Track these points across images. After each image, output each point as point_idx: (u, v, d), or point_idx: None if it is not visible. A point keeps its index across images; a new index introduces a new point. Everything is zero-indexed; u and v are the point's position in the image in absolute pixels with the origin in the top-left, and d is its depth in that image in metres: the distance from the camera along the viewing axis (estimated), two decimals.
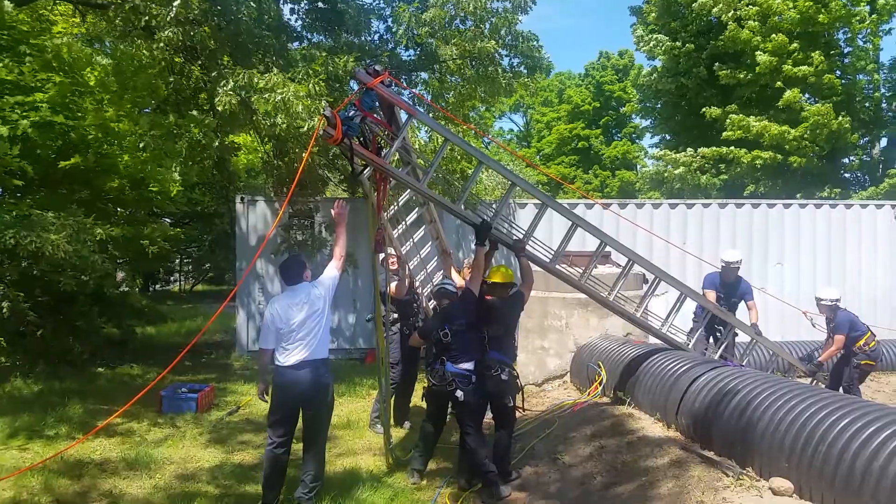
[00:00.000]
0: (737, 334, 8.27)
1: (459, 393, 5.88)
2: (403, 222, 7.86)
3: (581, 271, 6.93)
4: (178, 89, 10.49)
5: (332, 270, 5.66)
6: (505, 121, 56.11)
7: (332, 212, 5.89)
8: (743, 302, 8.96)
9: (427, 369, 6.33)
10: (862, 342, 8.44)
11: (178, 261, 25.51)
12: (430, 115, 10.33)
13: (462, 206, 6.42)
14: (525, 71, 12.24)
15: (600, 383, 8.02)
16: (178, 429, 7.86)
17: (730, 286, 8.96)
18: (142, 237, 10.82)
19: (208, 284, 27.93)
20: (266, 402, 5.59)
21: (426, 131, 10.07)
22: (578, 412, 7.58)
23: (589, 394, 8.13)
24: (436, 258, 8.29)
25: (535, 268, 6.65)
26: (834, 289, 9.07)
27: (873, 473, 4.04)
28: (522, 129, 51.38)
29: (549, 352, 9.94)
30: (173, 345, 13.38)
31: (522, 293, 6.37)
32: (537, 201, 13.90)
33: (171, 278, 28.09)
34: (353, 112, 5.71)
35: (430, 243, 8.16)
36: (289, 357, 5.31)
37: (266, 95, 8.71)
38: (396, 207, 7.61)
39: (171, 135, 9.79)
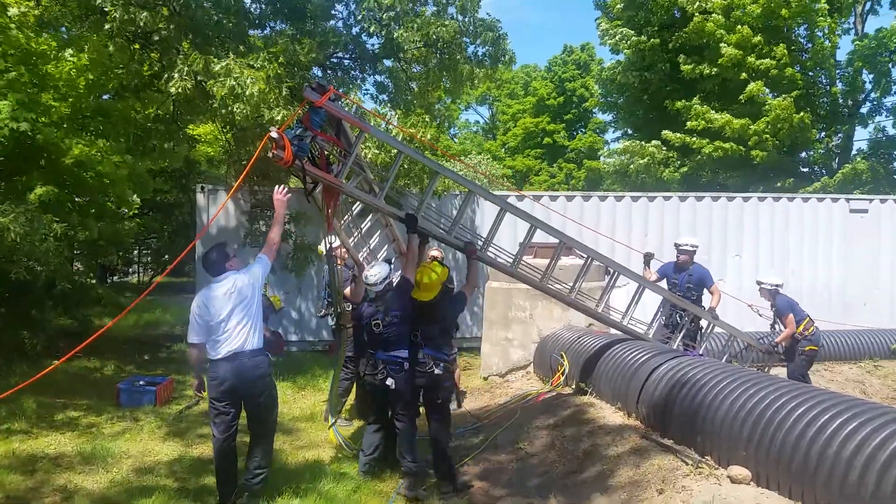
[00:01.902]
0: (699, 324, 8.42)
1: (390, 381, 5.75)
2: (359, 230, 7.83)
3: (544, 267, 6.92)
4: (135, 74, 10.19)
5: (262, 258, 5.47)
6: (471, 113, 56.15)
7: (274, 197, 5.62)
8: (706, 289, 9.03)
9: (362, 363, 6.24)
10: (801, 328, 8.71)
11: (136, 252, 24.97)
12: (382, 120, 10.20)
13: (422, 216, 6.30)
14: (488, 61, 12.18)
15: (563, 374, 8.07)
16: (137, 422, 7.70)
17: (683, 273, 9.01)
18: (100, 243, 10.51)
19: (168, 276, 27.43)
20: (203, 397, 5.46)
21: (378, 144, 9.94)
22: (541, 402, 7.62)
23: (552, 384, 8.18)
24: (394, 258, 8.22)
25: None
26: (776, 276, 9.40)
27: (828, 459, 4.12)
28: (488, 121, 51.44)
29: (512, 343, 9.98)
30: (131, 337, 13.13)
31: (464, 294, 6.24)
32: (507, 196, 13.96)
33: (130, 270, 27.50)
34: (300, 131, 5.56)
35: (386, 246, 8.11)
36: (220, 349, 5.13)
37: (222, 80, 8.54)
38: (351, 217, 7.54)
39: (122, 121, 9.52)
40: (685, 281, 8.91)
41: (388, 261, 6.66)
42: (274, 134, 5.40)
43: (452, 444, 7.01)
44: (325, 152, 5.91)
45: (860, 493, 3.85)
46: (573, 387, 7.76)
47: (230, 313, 5.12)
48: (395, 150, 8.13)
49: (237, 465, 5.39)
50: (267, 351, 5.40)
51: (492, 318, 10.17)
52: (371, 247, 7.97)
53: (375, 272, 6.11)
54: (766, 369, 8.72)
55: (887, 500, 3.70)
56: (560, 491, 5.43)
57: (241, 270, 5.40)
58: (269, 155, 5.45)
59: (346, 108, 7.43)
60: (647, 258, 9.07)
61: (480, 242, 6.57)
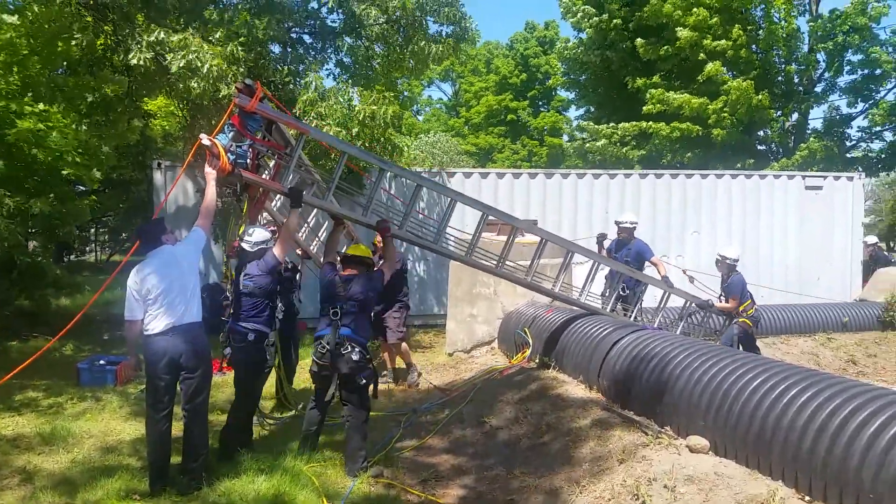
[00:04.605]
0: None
1: (228, 350, 5.79)
2: (306, 223, 7.77)
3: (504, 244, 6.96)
4: (88, 48, 9.87)
5: (196, 230, 5.37)
6: (434, 90, 55.80)
7: (205, 170, 5.45)
8: (647, 262, 9.35)
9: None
10: (742, 307, 9.03)
11: (93, 230, 24.44)
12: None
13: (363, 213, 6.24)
14: (452, 40, 12.10)
15: (528, 349, 8.17)
16: (98, 402, 7.59)
17: (624, 248, 9.38)
18: (56, 216, 10.18)
19: (124, 255, 26.96)
20: (141, 375, 5.37)
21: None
22: (506, 377, 7.71)
23: (516, 360, 8.27)
24: (345, 248, 8.14)
25: (461, 245, 6.67)
26: (736, 249, 9.74)
27: (783, 429, 4.26)
28: (451, 98, 51.20)
29: (477, 319, 10.06)
30: (89, 316, 12.87)
31: (383, 272, 6.02)
32: (471, 173, 14.00)
33: (87, 248, 26.95)
34: (234, 146, 5.48)
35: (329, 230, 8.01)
36: (156, 324, 5.00)
37: (179, 53, 8.36)
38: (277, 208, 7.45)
39: (77, 95, 9.24)
40: (624, 256, 9.23)
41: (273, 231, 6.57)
42: (205, 141, 5.25)
43: (419, 419, 7.10)
44: (256, 152, 5.81)
45: (813, 459, 4.00)
46: (537, 361, 7.87)
47: (167, 287, 5.02)
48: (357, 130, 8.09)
49: (171, 450, 5.26)
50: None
51: (457, 294, 10.22)
52: (321, 238, 7.90)
53: (256, 236, 6.02)
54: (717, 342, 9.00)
55: (838, 466, 3.85)
56: (524, 463, 5.52)
57: (177, 244, 5.32)
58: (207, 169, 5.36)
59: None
60: (601, 238, 9.48)
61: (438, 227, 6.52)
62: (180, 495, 5.01)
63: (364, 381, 5.65)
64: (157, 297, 5.00)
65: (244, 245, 6.00)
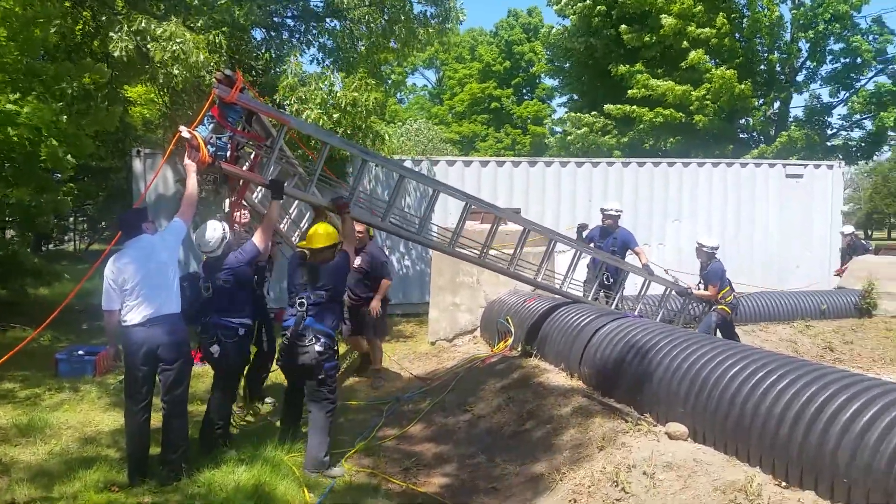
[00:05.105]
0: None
1: (215, 347, 5.58)
2: (288, 215, 7.71)
3: (486, 232, 6.95)
4: (65, 34, 9.72)
5: (177, 221, 5.29)
6: (418, 77, 55.59)
7: (184, 163, 5.35)
8: (630, 251, 9.40)
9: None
10: (721, 293, 9.13)
11: (72, 219, 24.16)
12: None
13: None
14: (436, 20, 11.98)
15: (510, 338, 8.19)
16: (76, 393, 7.51)
17: (609, 237, 9.43)
18: (33, 207, 10.04)
19: (105, 244, 26.68)
20: (120, 366, 5.31)
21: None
22: (488, 366, 7.72)
23: (498, 348, 8.29)
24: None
25: (448, 219, 6.64)
26: (714, 237, 9.87)
27: (760, 415, 4.30)
28: (435, 85, 51.06)
29: (460, 308, 10.06)
30: (68, 306, 12.73)
31: (347, 253, 5.79)
32: (454, 161, 13.97)
33: (66, 237, 26.65)
34: (213, 138, 5.40)
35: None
36: (134, 315, 4.92)
37: (163, 44, 8.24)
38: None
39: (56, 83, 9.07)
40: (610, 244, 9.27)
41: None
42: (185, 134, 5.18)
43: (402, 408, 7.10)
44: (236, 143, 5.74)
45: (790, 446, 4.04)
46: (519, 350, 7.89)
47: (145, 277, 4.95)
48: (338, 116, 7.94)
49: (150, 442, 5.21)
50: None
51: (440, 283, 10.22)
52: (302, 229, 7.83)
53: (211, 235, 5.56)
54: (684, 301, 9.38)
55: (814, 451, 3.89)
56: (506, 450, 5.55)
57: (158, 233, 5.25)
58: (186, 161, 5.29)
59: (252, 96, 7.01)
60: (581, 229, 9.49)
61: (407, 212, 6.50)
62: (160, 486, 4.97)
63: (329, 371, 5.51)
64: (135, 288, 4.93)
65: (208, 256, 5.67)
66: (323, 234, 5.60)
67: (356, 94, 9.89)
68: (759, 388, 4.44)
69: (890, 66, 22.70)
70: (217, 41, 8.79)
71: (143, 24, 8.45)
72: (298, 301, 5.51)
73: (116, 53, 8.53)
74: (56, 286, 13.40)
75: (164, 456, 5.16)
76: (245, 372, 6.39)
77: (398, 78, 36.05)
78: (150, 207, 11.96)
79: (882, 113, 21.97)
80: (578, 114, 24.69)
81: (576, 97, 29.00)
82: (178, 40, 8.30)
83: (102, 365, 8.33)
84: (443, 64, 47.78)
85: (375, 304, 7.79)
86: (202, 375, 7.79)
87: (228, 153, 5.59)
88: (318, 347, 5.39)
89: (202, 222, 5.66)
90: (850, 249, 14.21)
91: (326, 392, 5.51)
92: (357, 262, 7.46)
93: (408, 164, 13.16)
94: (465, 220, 6.79)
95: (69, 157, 8.71)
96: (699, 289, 9.30)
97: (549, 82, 40.38)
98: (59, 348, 9.12)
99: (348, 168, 11.98)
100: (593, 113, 23.68)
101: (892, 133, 24.12)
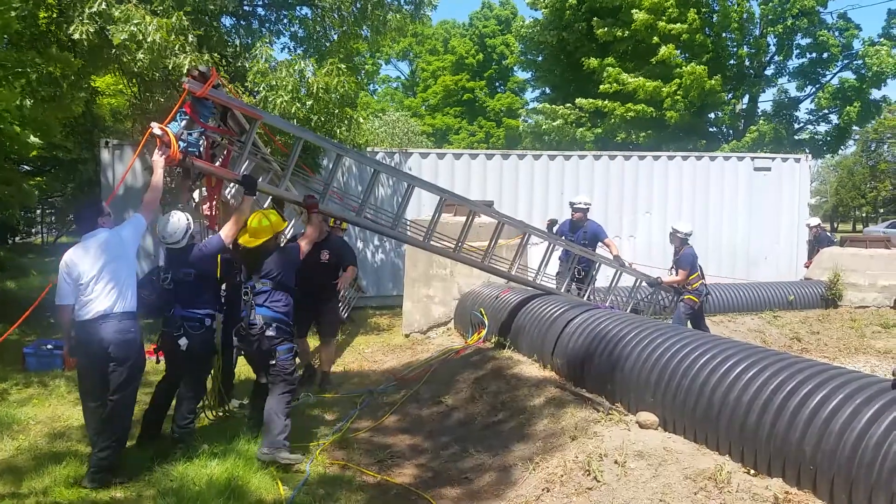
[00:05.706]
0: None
1: (183, 340, 5.44)
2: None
3: (461, 225, 6.97)
4: (30, 19, 9.46)
5: (136, 217, 5.22)
6: (391, 69, 55.31)
7: (152, 159, 5.24)
8: (600, 243, 9.52)
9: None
10: (689, 278, 9.31)
11: (39, 211, 23.71)
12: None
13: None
14: (409, 7, 11.89)
15: (483, 330, 8.22)
16: (45, 387, 7.40)
17: (579, 230, 9.52)
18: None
19: (73, 237, 26.24)
20: (74, 363, 5.18)
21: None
22: (462, 358, 7.75)
23: (472, 340, 8.31)
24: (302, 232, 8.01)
25: (423, 211, 6.64)
26: (688, 224, 9.94)
27: (729, 404, 4.38)
28: (408, 77, 50.88)
29: (434, 300, 10.06)
30: (34, 300, 12.52)
31: (299, 245, 5.84)
32: (428, 153, 13.94)
33: (33, 230, 26.16)
34: (184, 134, 5.31)
35: (293, 220, 7.89)
36: (87, 310, 4.83)
37: (121, 26, 8.07)
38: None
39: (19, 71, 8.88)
40: (581, 237, 9.35)
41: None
42: (156, 130, 5.09)
43: (376, 400, 7.10)
44: (209, 140, 5.66)
45: (758, 434, 4.12)
46: (493, 342, 7.93)
47: (99, 272, 4.86)
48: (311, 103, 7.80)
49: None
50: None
51: (413, 276, 10.22)
52: (286, 235, 7.74)
53: (173, 227, 5.40)
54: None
55: (781, 439, 3.98)
56: (479, 441, 5.58)
57: (115, 228, 5.15)
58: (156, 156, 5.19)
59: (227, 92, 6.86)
60: (551, 224, 9.55)
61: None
62: (90, 487, 4.77)
63: (284, 354, 5.52)
64: (89, 283, 4.84)
65: (172, 246, 5.51)
66: (266, 226, 5.60)
67: (328, 78, 9.74)
68: (728, 378, 4.52)
69: (854, 62, 23.14)
70: (180, 24, 8.60)
71: (102, 6, 8.26)
72: (243, 290, 5.54)
73: (76, 37, 8.34)
74: (22, 280, 13.16)
75: (94, 454, 4.94)
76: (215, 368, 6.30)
77: (371, 69, 35.84)
78: (117, 199, 11.79)
79: (847, 107, 22.41)
80: (553, 105, 24.77)
81: (548, 90, 29.11)
82: (135, 21, 8.14)
83: (71, 359, 8.16)
84: (416, 56, 47.64)
85: (343, 281, 7.79)
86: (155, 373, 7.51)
87: (202, 149, 5.53)
88: (269, 332, 5.43)
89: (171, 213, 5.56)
90: (817, 241, 14.48)
91: (284, 374, 5.52)
92: (325, 256, 7.52)
93: (380, 156, 13.15)
94: (440, 215, 6.80)
95: (33, 137, 8.51)
96: (671, 275, 9.42)
97: (521, 75, 40.53)
98: (26, 342, 8.95)
99: (322, 159, 11.90)
100: (567, 105, 23.79)
101: (856, 128, 24.61)
